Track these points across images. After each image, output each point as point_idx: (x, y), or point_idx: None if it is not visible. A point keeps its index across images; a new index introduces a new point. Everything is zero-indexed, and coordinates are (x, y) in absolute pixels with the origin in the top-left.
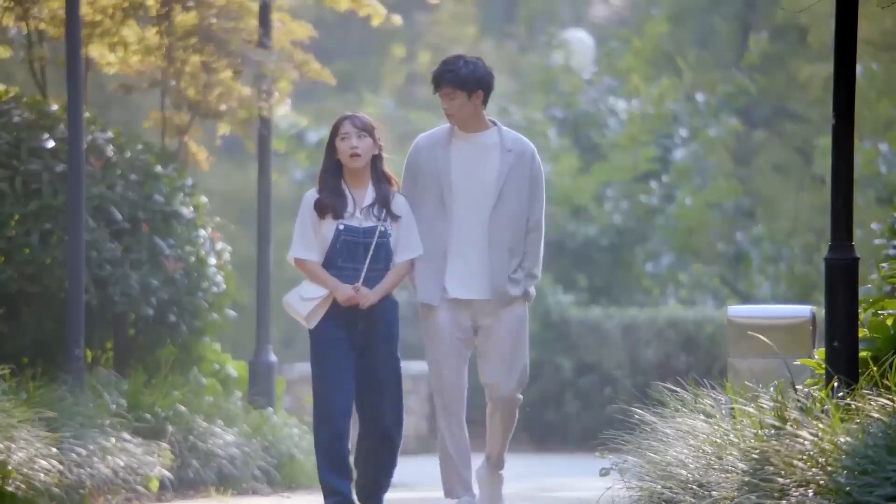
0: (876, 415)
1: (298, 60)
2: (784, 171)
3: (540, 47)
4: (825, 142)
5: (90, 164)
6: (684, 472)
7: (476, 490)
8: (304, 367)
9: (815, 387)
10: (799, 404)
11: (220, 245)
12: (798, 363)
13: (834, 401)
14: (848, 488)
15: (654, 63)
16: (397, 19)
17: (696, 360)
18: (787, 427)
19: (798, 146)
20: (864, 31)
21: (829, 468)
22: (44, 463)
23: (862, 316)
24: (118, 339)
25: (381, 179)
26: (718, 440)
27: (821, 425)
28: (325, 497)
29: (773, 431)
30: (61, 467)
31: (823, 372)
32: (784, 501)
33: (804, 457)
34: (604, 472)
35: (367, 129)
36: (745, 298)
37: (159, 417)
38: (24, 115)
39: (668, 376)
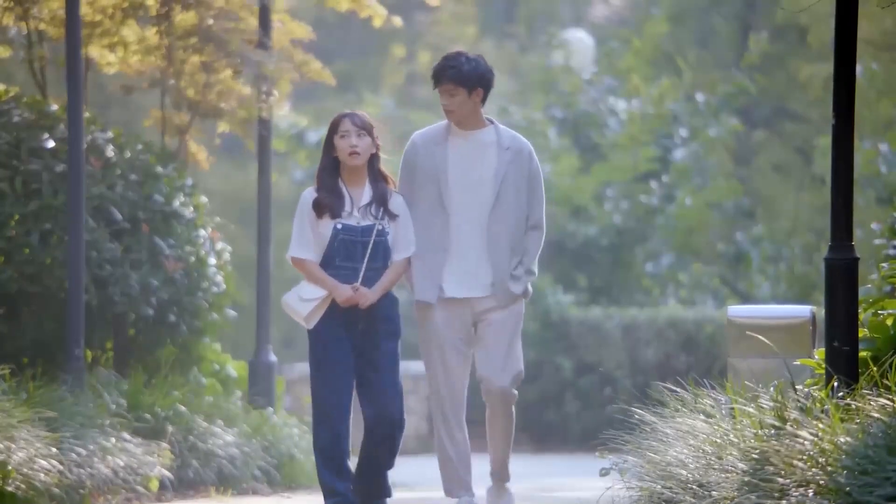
0: (876, 415)
1: (298, 60)
2: (784, 171)
3: (540, 47)
4: (825, 142)
5: (90, 164)
6: (684, 472)
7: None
8: (304, 367)
9: (815, 387)
10: (799, 404)
11: (220, 245)
12: (798, 363)
13: (834, 401)
14: (848, 488)
15: (654, 63)
16: (398, 21)
17: (696, 360)
18: (787, 427)
19: (798, 146)
20: (864, 31)
21: (829, 468)
22: (44, 463)
23: (862, 316)
24: (118, 339)
25: (378, 178)
26: (718, 440)
27: (821, 425)
28: (325, 498)
29: (773, 431)
30: (61, 467)
31: (823, 372)
32: (784, 501)
33: (804, 457)
34: (604, 472)
35: (366, 128)
36: (745, 298)
37: (159, 417)
38: (24, 115)
39: (668, 376)
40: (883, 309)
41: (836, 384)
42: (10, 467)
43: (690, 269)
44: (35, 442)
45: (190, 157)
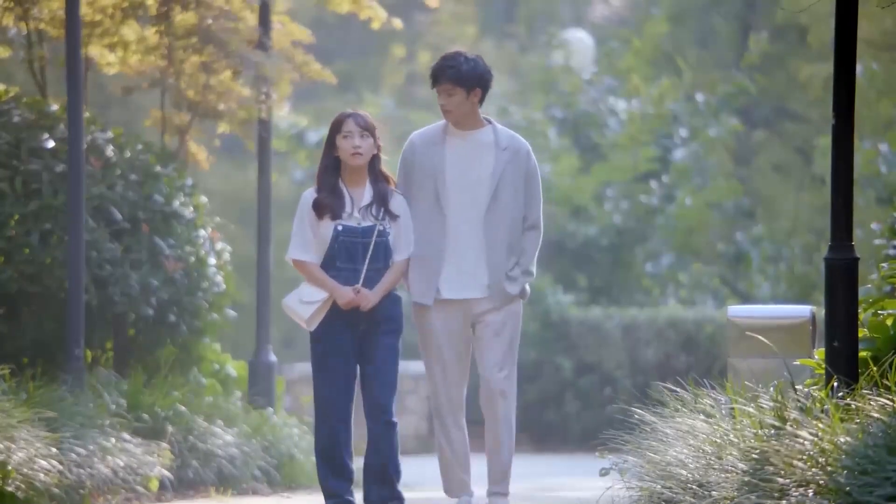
0: (876, 415)
1: (299, 61)
2: (784, 171)
3: (540, 47)
4: (825, 142)
5: (90, 164)
6: (684, 472)
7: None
8: (304, 367)
9: (815, 387)
10: (799, 404)
11: (220, 245)
12: (798, 363)
13: (834, 401)
14: (848, 488)
15: (654, 63)
16: (398, 23)
17: (696, 360)
18: (787, 427)
19: (798, 146)
20: (864, 31)
21: (829, 468)
22: (44, 463)
23: (862, 316)
24: (118, 339)
25: (378, 178)
26: (718, 440)
27: (821, 425)
28: (325, 498)
29: (773, 431)
30: (61, 467)
31: (823, 372)
32: (784, 501)
33: (804, 457)
34: (604, 472)
35: (369, 129)
36: (745, 298)
37: (159, 417)
38: (24, 115)
39: (668, 376)
40: (883, 309)
41: (835, 384)
42: (10, 467)
43: (690, 269)
44: (35, 442)
45: (190, 157)
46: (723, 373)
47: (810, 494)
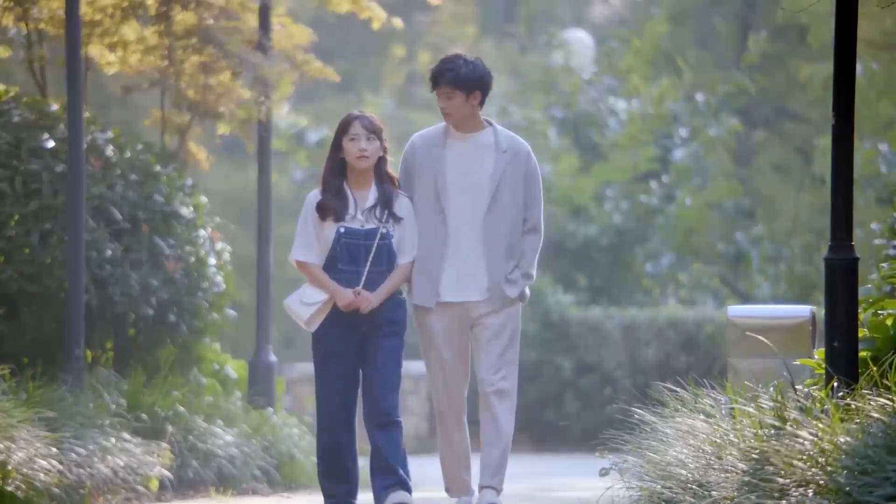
0: (876, 415)
1: (299, 60)
2: (784, 171)
3: (540, 47)
4: (825, 142)
5: (90, 164)
6: (684, 472)
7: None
8: (304, 367)
9: (814, 387)
10: (799, 404)
11: (220, 245)
12: (798, 363)
13: (834, 401)
14: (848, 488)
15: (654, 63)
16: (398, 23)
17: (696, 360)
18: (787, 427)
19: (798, 146)
20: (864, 31)
21: (829, 468)
22: (44, 463)
23: (862, 316)
24: (118, 339)
25: (384, 180)
26: (718, 440)
27: (821, 425)
28: (325, 499)
29: (772, 431)
30: (61, 467)
31: (823, 372)
32: (784, 501)
33: (804, 457)
34: (604, 472)
35: (375, 132)
36: (745, 298)
37: (159, 417)
38: (24, 115)
39: (668, 376)
40: (883, 309)
41: (835, 384)
42: (10, 467)
43: (690, 269)
44: (35, 442)
45: (190, 157)
46: (723, 373)
47: (810, 494)
